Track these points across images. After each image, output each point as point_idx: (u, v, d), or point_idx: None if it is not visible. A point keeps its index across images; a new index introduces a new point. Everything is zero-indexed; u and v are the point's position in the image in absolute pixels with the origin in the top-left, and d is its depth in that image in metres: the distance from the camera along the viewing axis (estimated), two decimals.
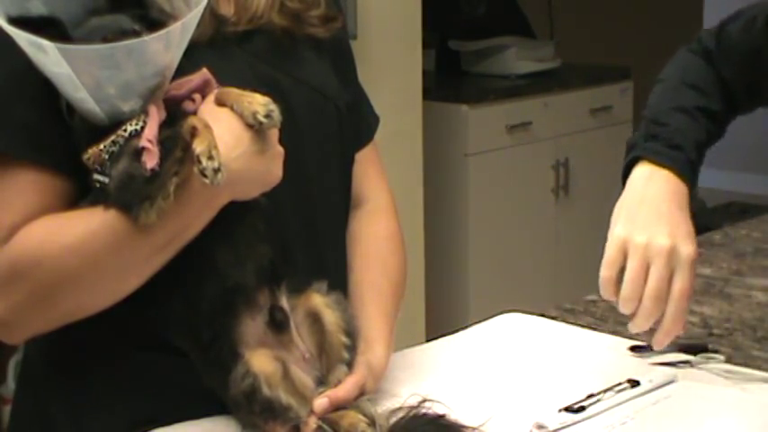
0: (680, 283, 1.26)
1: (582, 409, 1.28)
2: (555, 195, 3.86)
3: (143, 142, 1.13)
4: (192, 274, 1.21)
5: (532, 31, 4.22)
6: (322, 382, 1.24)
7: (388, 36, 3.12)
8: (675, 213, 1.30)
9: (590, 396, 1.30)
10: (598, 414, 1.28)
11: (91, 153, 1.17)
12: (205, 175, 1.11)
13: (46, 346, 1.33)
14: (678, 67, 1.48)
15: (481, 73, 3.94)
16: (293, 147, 1.26)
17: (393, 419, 1.23)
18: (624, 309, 1.26)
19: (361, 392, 1.25)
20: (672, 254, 1.25)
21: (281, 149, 1.22)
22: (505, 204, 3.71)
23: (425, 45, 3.29)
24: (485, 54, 3.92)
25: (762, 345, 1.50)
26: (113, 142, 1.16)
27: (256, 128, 1.18)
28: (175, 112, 1.18)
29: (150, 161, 1.12)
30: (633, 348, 1.47)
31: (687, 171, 1.34)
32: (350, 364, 1.26)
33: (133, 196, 1.14)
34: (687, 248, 1.26)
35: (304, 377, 1.23)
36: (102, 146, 1.16)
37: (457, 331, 1.57)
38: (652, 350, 1.45)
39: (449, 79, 3.96)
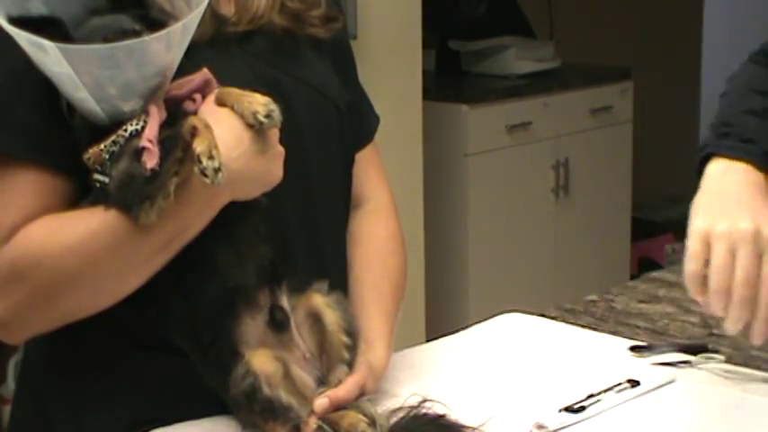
0: None
1: (582, 409, 1.28)
2: (555, 195, 3.85)
3: (143, 142, 1.12)
4: (192, 274, 1.21)
5: (532, 31, 4.22)
6: (322, 381, 1.24)
7: (388, 36, 3.12)
8: (756, 198, 1.25)
9: (590, 396, 1.30)
10: (598, 414, 1.28)
11: (91, 153, 1.17)
12: (205, 175, 1.11)
13: (46, 346, 1.33)
14: (743, 77, 1.47)
15: (481, 73, 3.93)
16: (294, 147, 1.26)
17: (393, 419, 1.23)
18: (716, 305, 1.19)
19: (362, 392, 1.25)
20: (757, 237, 1.20)
21: (281, 149, 1.22)
22: (505, 204, 3.70)
23: (425, 45, 3.28)
24: (485, 54, 3.92)
25: (762, 345, 1.50)
26: (114, 142, 1.16)
27: (257, 128, 1.18)
28: (176, 112, 1.18)
29: (150, 161, 1.12)
30: (633, 348, 1.47)
31: (763, 162, 1.30)
32: (350, 364, 1.26)
33: (133, 196, 1.14)
34: None
35: (304, 377, 1.23)
36: (102, 146, 1.16)
37: (457, 331, 1.57)
38: (652, 350, 1.45)
39: (449, 79, 3.95)
